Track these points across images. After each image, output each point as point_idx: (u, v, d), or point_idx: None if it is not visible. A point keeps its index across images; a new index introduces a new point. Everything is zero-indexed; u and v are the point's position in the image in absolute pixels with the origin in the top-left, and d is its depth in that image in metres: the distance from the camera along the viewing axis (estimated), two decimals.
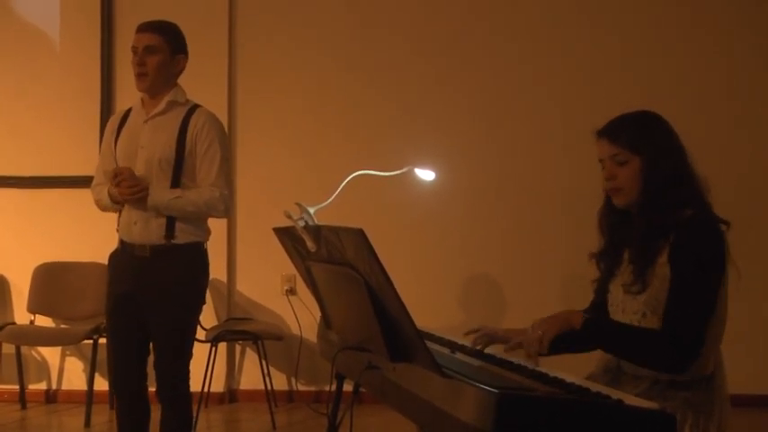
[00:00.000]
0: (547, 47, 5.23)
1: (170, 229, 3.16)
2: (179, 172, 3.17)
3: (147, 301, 3.18)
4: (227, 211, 3.25)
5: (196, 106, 3.27)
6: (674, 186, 2.15)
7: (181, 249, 3.19)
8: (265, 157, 5.26)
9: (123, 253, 3.26)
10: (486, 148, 5.21)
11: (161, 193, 3.13)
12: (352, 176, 2.65)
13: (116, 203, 3.23)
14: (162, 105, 3.21)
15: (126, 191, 3.10)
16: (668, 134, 2.22)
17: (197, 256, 3.27)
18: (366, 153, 5.10)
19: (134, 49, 3.20)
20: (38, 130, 5.23)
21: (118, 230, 3.29)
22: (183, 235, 3.19)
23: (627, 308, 2.20)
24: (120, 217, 3.28)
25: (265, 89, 5.27)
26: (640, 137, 2.19)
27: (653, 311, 2.12)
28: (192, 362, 3.31)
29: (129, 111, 3.34)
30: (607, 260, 2.33)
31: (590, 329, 2.07)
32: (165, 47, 3.18)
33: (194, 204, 3.14)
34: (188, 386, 3.28)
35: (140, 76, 3.17)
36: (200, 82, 5.03)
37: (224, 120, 5.09)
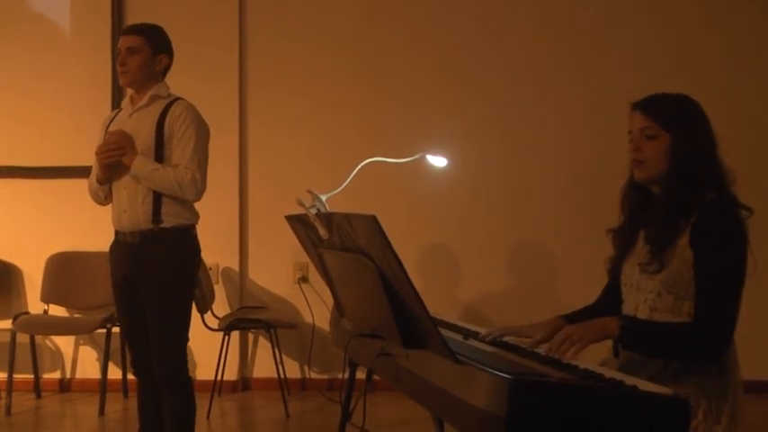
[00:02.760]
0: (556, 36, 5.20)
1: (156, 214, 3.23)
2: (160, 160, 3.25)
3: (141, 287, 3.26)
4: (199, 195, 3.29)
5: (177, 98, 3.37)
6: (699, 169, 2.16)
7: (169, 233, 3.25)
8: (277, 145, 5.25)
9: (117, 242, 3.36)
10: (497, 135, 5.19)
11: (144, 163, 3.21)
12: (364, 163, 2.65)
13: (101, 183, 3.30)
14: (145, 99, 3.32)
15: (102, 148, 3.20)
16: (702, 119, 2.24)
17: (185, 239, 3.33)
18: (377, 141, 5.09)
19: (118, 51, 3.34)
20: (49, 121, 5.24)
21: (113, 221, 3.36)
22: (169, 219, 3.25)
23: (642, 286, 2.21)
24: (113, 208, 3.35)
25: (276, 78, 5.26)
26: (674, 115, 2.22)
27: (668, 290, 2.13)
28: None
29: (120, 110, 3.47)
30: (622, 239, 2.34)
31: (626, 337, 2.06)
32: (147, 48, 3.30)
33: (169, 180, 3.20)
34: (185, 371, 3.31)
35: (122, 73, 3.31)
36: (212, 72, 5.06)
37: (235, 109, 5.16)
